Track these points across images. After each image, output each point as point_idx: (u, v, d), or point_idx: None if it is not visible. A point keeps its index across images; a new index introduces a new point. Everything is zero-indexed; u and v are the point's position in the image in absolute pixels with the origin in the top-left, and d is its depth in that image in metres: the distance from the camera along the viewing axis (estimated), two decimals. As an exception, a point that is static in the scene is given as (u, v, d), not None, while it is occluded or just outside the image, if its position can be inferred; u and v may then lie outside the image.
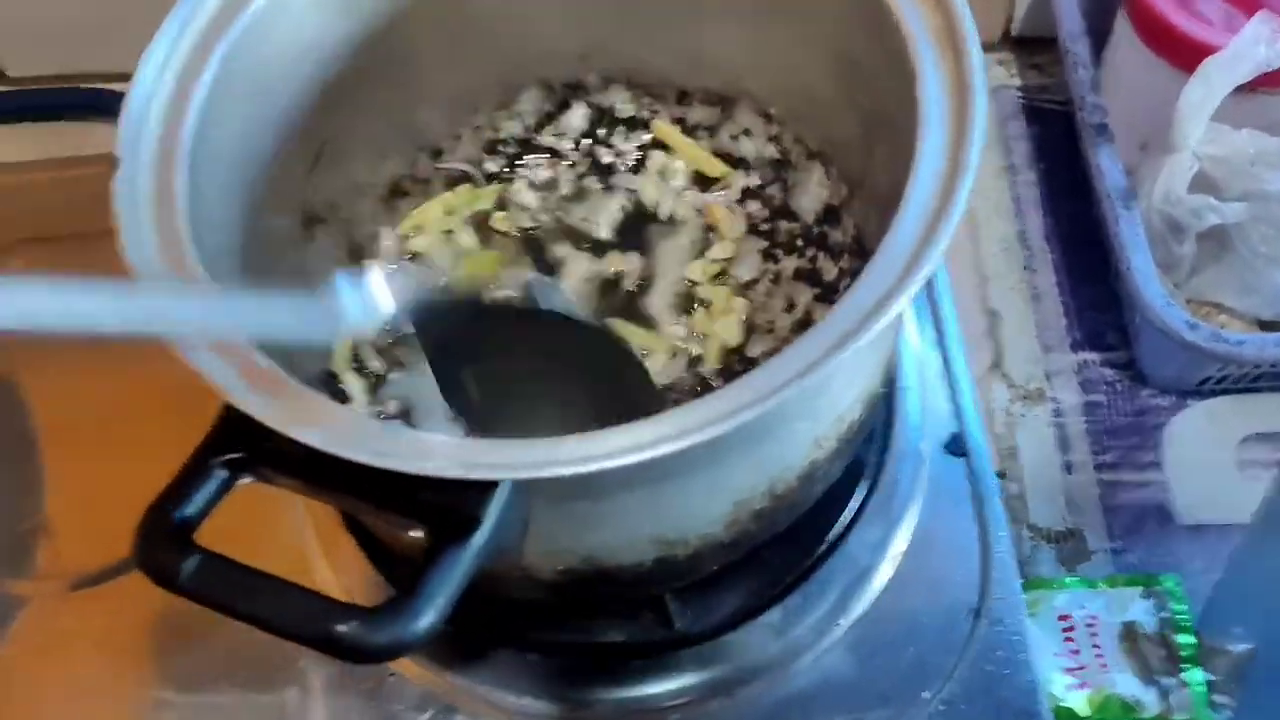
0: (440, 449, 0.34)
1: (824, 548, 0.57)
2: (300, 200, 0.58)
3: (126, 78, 0.47)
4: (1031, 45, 0.94)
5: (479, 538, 0.33)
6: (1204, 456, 0.75)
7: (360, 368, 0.60)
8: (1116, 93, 0.80)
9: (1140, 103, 0.79)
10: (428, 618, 0.32)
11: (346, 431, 0.34)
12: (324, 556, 0.59)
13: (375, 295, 0.39)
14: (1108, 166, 0.74)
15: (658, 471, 0.34)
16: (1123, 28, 0.80)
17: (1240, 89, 0.70)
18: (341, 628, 0.31)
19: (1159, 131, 0.74)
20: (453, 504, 0.33)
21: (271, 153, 0.54)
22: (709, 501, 0.42)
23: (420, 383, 0.59)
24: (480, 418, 0.47)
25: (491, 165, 0.68)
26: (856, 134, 0.57)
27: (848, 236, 0.62)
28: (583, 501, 0.39)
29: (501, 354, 0.46)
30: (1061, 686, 0.65)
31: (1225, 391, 0.76)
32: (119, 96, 0.75)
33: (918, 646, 0.55)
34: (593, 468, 0.32)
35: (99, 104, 0.90)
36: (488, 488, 0.33)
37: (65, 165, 0.82)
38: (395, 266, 0.52)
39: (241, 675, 0.57)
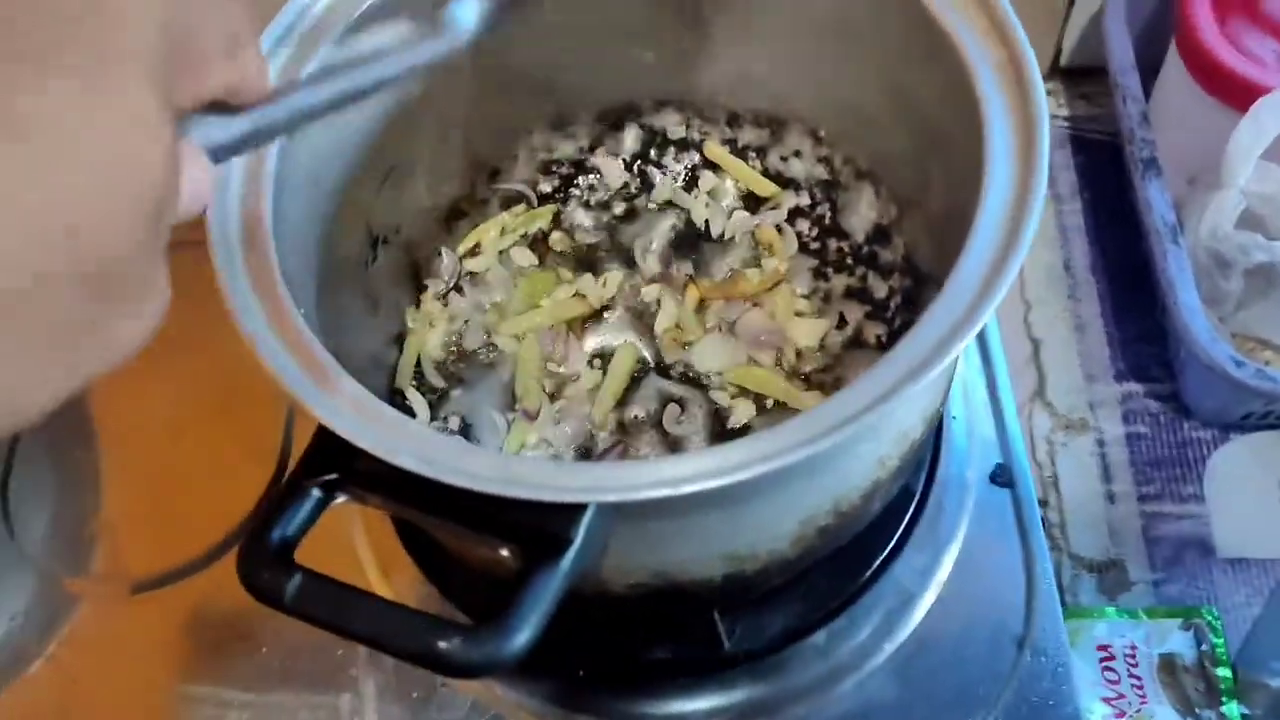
0: (528, 471, 0.35)
1: (870, 573, 0.58)
2: (366, 222, 0.60)
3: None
4: (1080, 75, 0.95)
5: (569, 558, 0.34)
6: (1246, 491, 0.75)
7: (420, 385, 0.61)
8: (1165, 127, 0.81)
9: (1188, 138, 0.79)
10: (523, 636, 0.33)
11: (439, 454, 0.35)
12: (379, 569, 0.61)
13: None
14: (1156, 201, 0.75)
15: (736, 493, 0.35)
16: (1173, 63, 0.80)
17: (1291, 129, 0.71)
18: (444, 644, 0.33)
19: (1207, 167, 0.75)
20: (543, 525, 0.34)
21: (344, 177, 0.55)
22: (779, 520, 0.43)
23: (479, 399, 0.61)
24: None
25: (546, 186, 0.70)
26: (909, 156, 0.58)
27: (897, 255, 0.63)
28: (662, 521, 0.40)
29: None
30: (1099, 716, 0.66)
31: (1269, 427, 0.76)
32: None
33: (961, 673, 0.56)
34: (681, 491, 0.33)
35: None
36: (577, 509, 0.34)
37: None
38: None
39: (296, 681, 0.59)
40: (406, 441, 0.36)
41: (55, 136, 0.22)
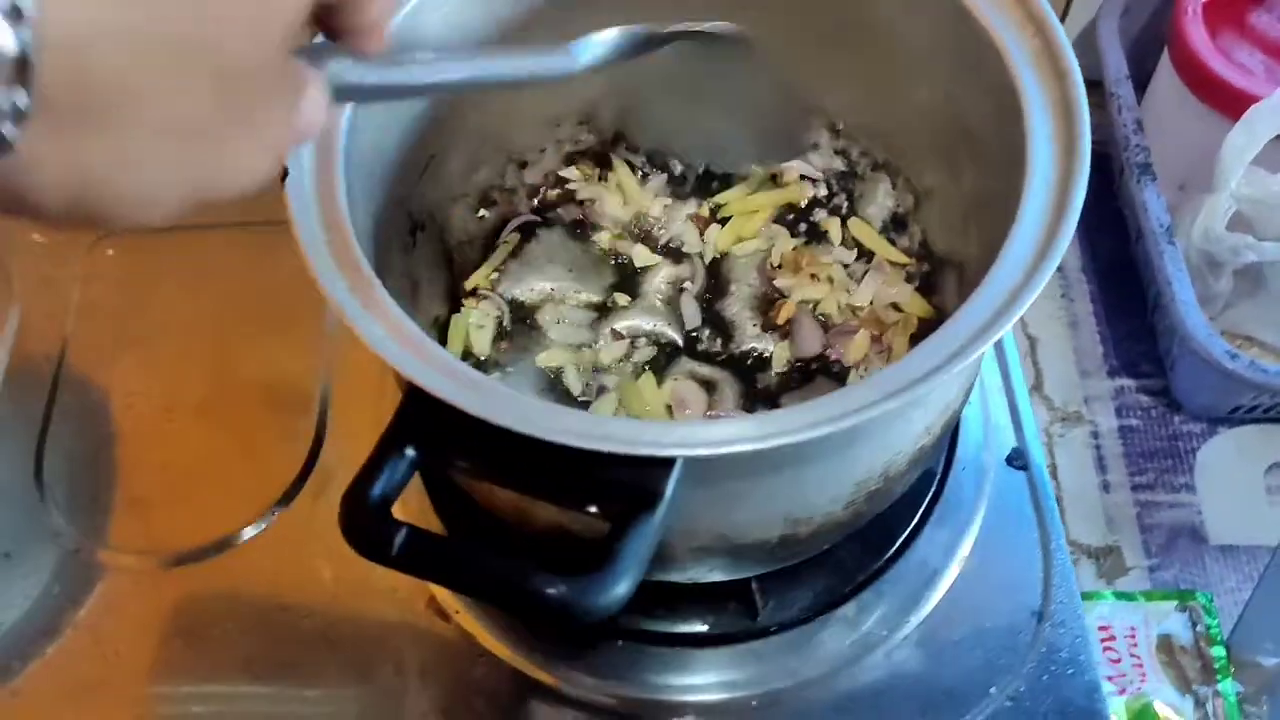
0: (619, 429, 0.37)
1: (895, 548, 0.60)
2: (408, 208, 0.61)
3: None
4: (1071, 86, 0.98)
5: (660, 511, 0.36)
6: (1234, 481, 0.79)
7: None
8: (1157, 134, 0.85)
9: (1180, 144, 0.83)
10: (623, 586, 0.35)
11: (535, 415, 0.37)
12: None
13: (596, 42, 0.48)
14: (1152, 204, 0.79)
15: (808, 453, 0.37)
16: (1165, 73, 0.84)
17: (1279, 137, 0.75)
18: (551, 591, 0.34)
19: (1198, 172, 0.79)
20: (636, 481, 0.36)
21: (394, 163, 0.57)
22: (837, 481, 0.45)
23: (517, 383, 0.62)
24: None
25: (571, 174, 0.72)
26: (932, 145, 0.60)
27: (914, 242, 0.66)
28: (736, 480, 0.42)
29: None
30: (1103, 693, 0.69)
31: (1255, 421, 0.80)
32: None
33: (984, 645, 0.58)
34: (768, 445, 0.35)
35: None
36: (667, 464, 0.36)
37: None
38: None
39: (339, 655, 0.60)
40: (501, 403, 0.38)
41: (219, 140, 0.26)
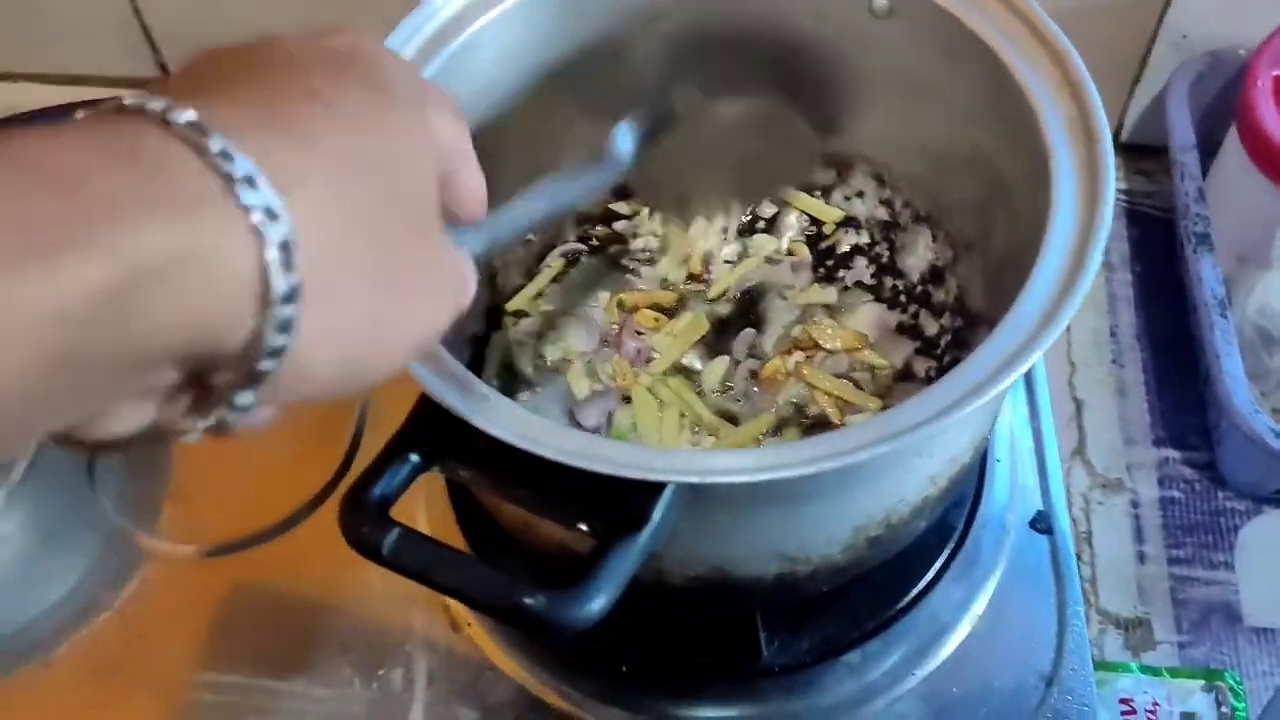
0: (615, 451, 0.38)
1: (908, 600, 0.60)
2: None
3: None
4: (1140, 152, 0.97)
5: (645, 534, 0.37)
6: (1275, 562, 0.77)
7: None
8: (1220, 205, 0.83)
9: (1242, 217, 0.82)
10: (599, 602, 0.36)
11: (534, 430, 0.38)
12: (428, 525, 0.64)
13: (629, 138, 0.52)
14: (1207, 274, 0.78)
15: (802, 490, 0.38)
16: (1232, 145, 0.83)
17: (1344, 215, 0.73)
18: (529, 601, 0.35)
19: (1258, 246, 0.77)
20: (624, 502, 0.37)
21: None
22: (835, 524, 0.46)
23: (544, 403, 0.64)
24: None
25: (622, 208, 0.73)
26: (972, 202, 0.61)
27: (950, 296, 0.66)
28: (729, 512, 0.43)
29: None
30: (1119, 767, 0.67)
31: (1302, 502, 0.78)
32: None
33: (988, 705, 0.58)
34: (758, 478, 0.36)
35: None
36: (656, 489, 0.37)
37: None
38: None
39: (353, 653, 0.62)
40: (505, 417, 0.39)
41: (421, 286, 0.31)
